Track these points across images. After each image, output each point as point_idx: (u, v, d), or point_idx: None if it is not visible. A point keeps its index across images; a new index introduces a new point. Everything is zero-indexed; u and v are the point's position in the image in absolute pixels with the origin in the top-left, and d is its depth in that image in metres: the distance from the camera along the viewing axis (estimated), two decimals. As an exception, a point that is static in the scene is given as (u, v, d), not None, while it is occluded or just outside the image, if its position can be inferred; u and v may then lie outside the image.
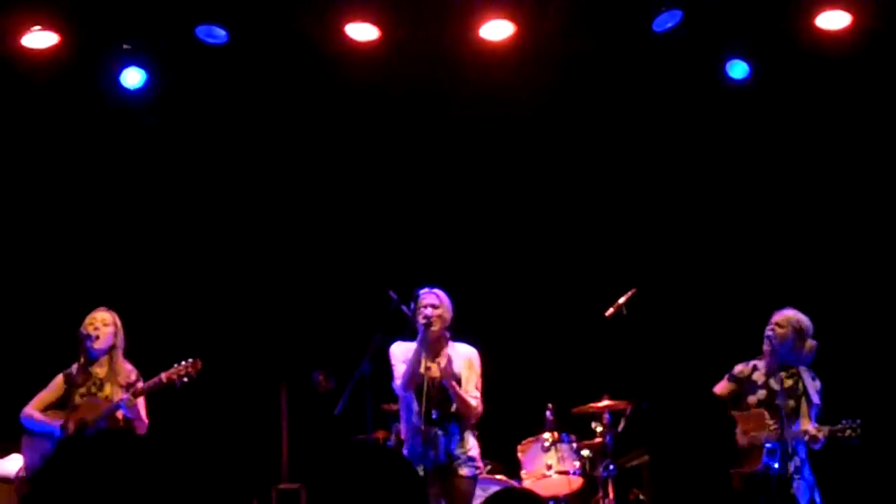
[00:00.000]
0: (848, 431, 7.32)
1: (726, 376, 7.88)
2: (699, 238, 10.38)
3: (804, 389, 7.56)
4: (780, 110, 10.01)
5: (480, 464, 7.70)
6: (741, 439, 7.61)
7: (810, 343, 7.69)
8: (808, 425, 7.51)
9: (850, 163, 10.00)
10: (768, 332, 7.66)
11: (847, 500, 8.54)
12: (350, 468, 4.15)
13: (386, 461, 4.18)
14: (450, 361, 7.49)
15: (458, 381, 7.49)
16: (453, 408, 7.48)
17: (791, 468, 7.40)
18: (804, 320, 7.69)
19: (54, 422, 7.75)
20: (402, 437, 7.70)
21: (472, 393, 7.54)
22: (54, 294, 9.84)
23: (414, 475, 4.08)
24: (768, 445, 7.43)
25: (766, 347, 7.70)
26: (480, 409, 7.57)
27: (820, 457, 7.62)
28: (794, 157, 10.12)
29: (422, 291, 7.62)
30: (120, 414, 7.72)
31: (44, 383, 7.96)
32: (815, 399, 7.55)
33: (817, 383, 7.64)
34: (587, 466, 9.19)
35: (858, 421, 7.32)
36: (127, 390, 7.76)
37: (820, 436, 7.36)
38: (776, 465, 7.38)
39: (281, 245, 10.59)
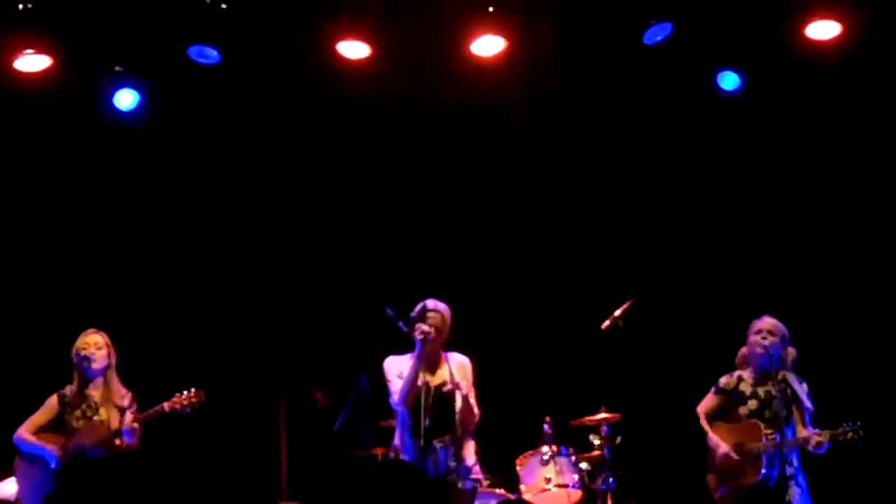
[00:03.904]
0: (850, 434, 7.30)
1: (712, 389, 7.86)
2: (694, 249, 10.40)
3: (794, 395, 7.54)
4: (771, 121, 10.04)
5: (480, 476, 7.70)
6: (728, 454, 7.57)
7: (792, 351, 7.70)
8: (804, 432, 7.50)
9: (842, 172, 10.02)
10: (761, 342, 7.65)
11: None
12: (369, 487, 4.17)
13: (402, 476, 4.20)
14: (451, 375, 7.52)
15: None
16: (452, 419, 7.49)
17: (786, 474, 7.40)
18: (784, 327, 7.72)
19: (47, 445, 7.73)
20: (398, 449, 7.71)
21: (472, 400, 7.57)
22: (49, 314, 9.84)
23: (429, 486, 4.11)
24: (767, 456, 7.42)
25: (754, 355, 7.69)
26: (478, 412, 7.59)
27: (813, 463, 7.63)
28: (786, 168, 10.15)
29: (426, 304, 7.64)
30: (119, 441, 7.71)
31: (35, 403, 7.95)
32: (807, 404, 7.52)
33: (804, 386, 7.62)
34: (586, 479, 9.19)
35: (859, 423, 7.31)
36: (122, 413, 7.76)
37: (823, 440, 7.35)
38: (775, 475, 7.38)
39: (277, 262, 10.61)
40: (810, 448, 7.39)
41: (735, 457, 7.54)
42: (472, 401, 7.59)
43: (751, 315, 7.91)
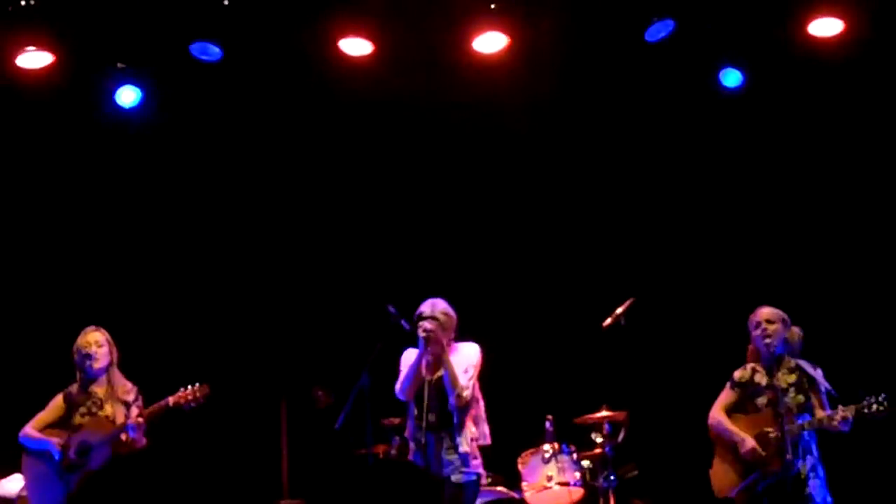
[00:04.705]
0: (875, 406, 7.22)
1: (728, 384, 7.83)
2: (696, 246, 10.39)
3: (810, 381, 7.54)
4: (773, 118, 10.03)
5: (478, 470, 7.65)
6: (755, 450, 7.53)
7: (796, 330, 7.69)
8: (823, 413, 7.48)
9: (844, 170, 10.01)
10: (763, 333, 7.64)
11: (857, 497, 8.56)
12: (370, 485, 4.18)
13: (402, 474, 4.21)
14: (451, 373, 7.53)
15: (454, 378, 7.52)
16: (451, 414, 7.50)
17: (807, 467, 7.39)
18: (782, 312, 7.71)
19: (52, 439, 7.74)
20: (406, 443, 7.74)
21: (462, 377, 7.54)
22: (51, 313, 9.84)
23: (434, 483, 4.11)
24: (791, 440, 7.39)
25: (762, 349, 7.68)
26: (468, 393, 7.56)
27: (831, 453, 7.63)
28: (788, 165, 10.14)
29: (423, 310, 7.65)
30: (125, 436, 7.71)
31: (37, 402, 7.96)
32: (824, 385, 7.50)
33: (819, 371, 7.61)
34: (587, 477, 9.19)
35: (883, 395, 7.23)
36: (127, 408, 7.77)
37: (848, 416, 7.30)
38: (799, 462, 7.35)
39: (279, 261, 10.60)
40: (836, 424, 7.32)
41: (762, 452, 7.50)
42: (466, 379, 7.54)
43: (751, 309, 7.90)
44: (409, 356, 7.70)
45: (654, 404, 9.71)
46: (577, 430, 9.37)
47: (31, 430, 7.87)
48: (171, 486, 9.51)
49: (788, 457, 7.35)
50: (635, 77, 9.86)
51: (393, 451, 9.01)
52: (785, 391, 7.51)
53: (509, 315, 10.44)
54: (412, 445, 7.57)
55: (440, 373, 7.58)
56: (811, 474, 7.39)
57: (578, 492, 9.13)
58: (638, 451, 9.35)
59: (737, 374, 7.83)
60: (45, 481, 7.71)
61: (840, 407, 7.35)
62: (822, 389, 7.53)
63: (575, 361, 10.15)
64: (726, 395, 7.82)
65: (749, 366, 7.82)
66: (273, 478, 10.09)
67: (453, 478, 7.46)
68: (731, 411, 7.77)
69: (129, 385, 7.91)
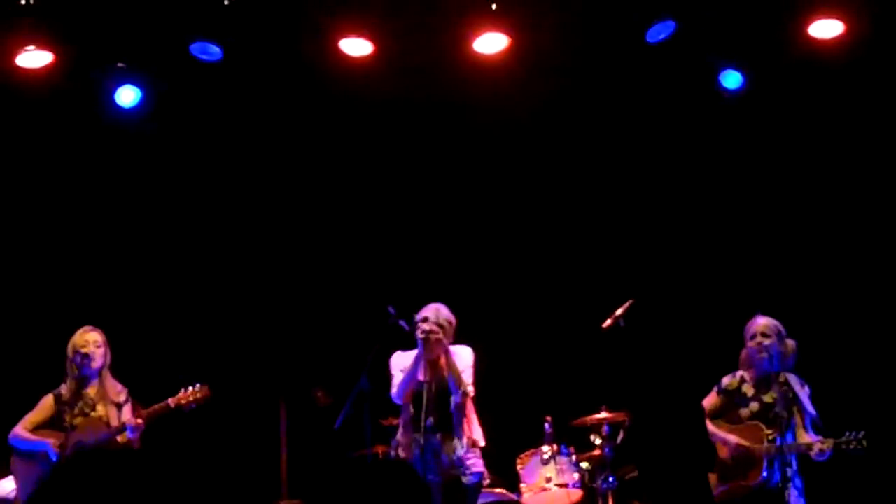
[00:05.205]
0: (853, 443, 7.31)
1: (714, 389, 7.86)
2: (696, 248, 10.38)
3: (795, 398, 7.54)
4: (773, 120, 10.02)
5: (482, 470, 7.67)
6: (740, 444, 7.56)
7: (791, 343, 7.69)
8: (806, 437, 7.49)
9: (845, 172, 10.01)
10: (759, 345, 7.63)
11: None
12: (360, 484, 4.17)
13: (395, 474, 4.20)
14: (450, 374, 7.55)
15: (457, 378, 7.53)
16: (450, 416, 7.51)
17: (786, 476, 7.40)
18: (778, 323, 7.71)
19: (47, 440, 7.72)
20: (399, 445, 7.73)
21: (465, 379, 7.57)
22: (50, 313, 9.82)
23: (423, 486, 4.11)
24: (767, 457, 7.42)
25: (755, 359, 7.67)
26: (471, 390, 7.59)
27: (809, 464, 7.63)
28: (788, 167, 10.14)
29: (427, 314, 7.67)
30: (122, 437, 7.71)
31: (27, 401, 7.95)
32: (809, 409, 7.53)
33: (806, 389, 7.61)
34: (586, 478, 9.19)
35: (863, 433, 7.32)
36: (119, 409, 7.77)
37: (826, 448, 7.35)
38: (776, 477, 7.37)
39: (279, 262, 10.59)
40: (812, 455, 7.39)
41: (745, 444, 7.51)
42: (468, 381, 7.57)
43: (752, 314, 7.89)
44: (400, 360, 7.70)
45: (653, 406, 9.69)
46: (576, 431, 9.37)
47: (22, 431, 7.84)
48: (171, 487, 9.49)
49: (764, 474, 7.39)
50: (636, 78, 9.84)
51: (392, 452, 9.00)
52: (771, 406, 7.52)
53: (508, 316, 10.44)
54: (411, 447, 7.57)
55: (439, 376, 7.59)
56: (788, 484, 7.40)
57: (577, 493, 9.13)
58: (637, 452, 9.34)
59: (725, 381, 7.84)
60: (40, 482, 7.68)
61: (820, 438, 7.41)
62: (807, 411, 7.55)
63: (574, 363, 10.14)
64: (711, 400, 7.85)
65: (738, 374, 7.83)
66: (272, 478, 10.09)
67: (463, 480, 7.48)
68: (715, 416, 7.79)
69: (119, 386, 7.93)
